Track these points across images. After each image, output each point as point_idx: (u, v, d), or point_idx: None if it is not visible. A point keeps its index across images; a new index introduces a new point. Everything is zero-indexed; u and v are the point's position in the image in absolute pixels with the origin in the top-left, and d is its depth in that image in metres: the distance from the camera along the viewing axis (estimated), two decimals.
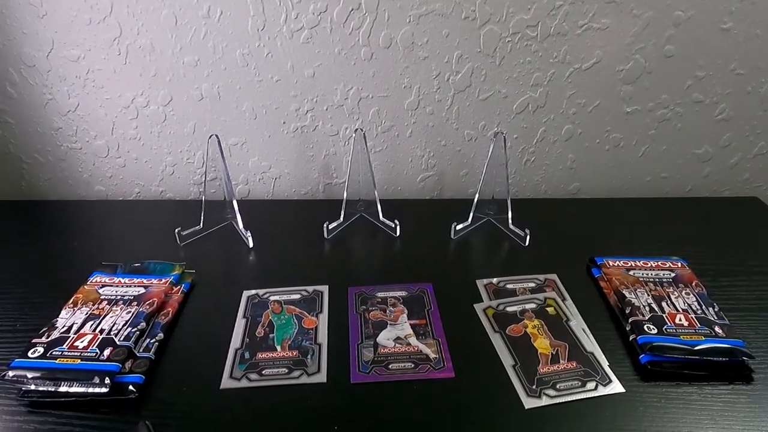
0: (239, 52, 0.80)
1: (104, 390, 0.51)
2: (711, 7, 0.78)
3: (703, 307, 0.62)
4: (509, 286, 0.69)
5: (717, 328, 0.58)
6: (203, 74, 0.82)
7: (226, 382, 0.54)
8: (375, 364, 0.56)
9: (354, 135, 0.76)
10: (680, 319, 0.60)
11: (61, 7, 0.76)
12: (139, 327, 0.58)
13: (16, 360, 0.53)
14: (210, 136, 0.73)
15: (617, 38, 0.80)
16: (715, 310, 0.61)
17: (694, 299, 0.63)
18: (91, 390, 0.51)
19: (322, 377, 0.55)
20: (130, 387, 0.52)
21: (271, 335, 0.60)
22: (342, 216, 0.81)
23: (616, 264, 0.70)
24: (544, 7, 0.77)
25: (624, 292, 0.64)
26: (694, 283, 0.66)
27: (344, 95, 0.84)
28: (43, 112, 0.85)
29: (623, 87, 0.84)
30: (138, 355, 0.56)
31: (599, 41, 0.80)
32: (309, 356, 0.57)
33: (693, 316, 0.60)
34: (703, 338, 0.57)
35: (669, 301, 0.63)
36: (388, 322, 0.62)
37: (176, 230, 0.77)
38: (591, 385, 0.54)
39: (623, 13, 0.78)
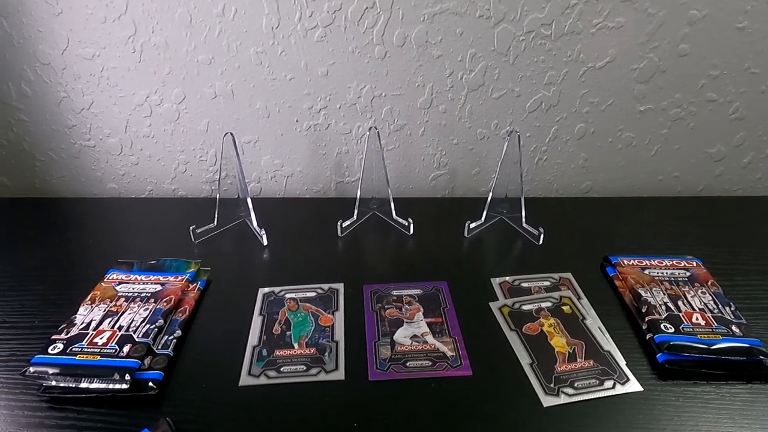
0: (253, 51, 0.80)
1: (125, 386, 0.51)
2: (726, 6, 0.77)
3: (720, 306, 0.62)
4: (524, 284, 0.69)
5: (734, 327, 0.58)
6: (217, 72, 0.82)
7: (245, 379, 0.55)
8: (392, 362, 0.57)
9: (368, 133, 0.77)
10: (697, 318, 0.60)
11: (77, 5, 0.77)
12: (157, 324, 0.58)
13: (37, 356, 0.54)
14: (225, 134, 0.74)
15: (631, 37, 0.80)
16: (732, 309, 0.61)
17: (711, 298, 0.63)
18: (111, 386, 0.52)
19: (340, 374, 0.55)
20: (150, 383, 0.52)
21: (288, 333, 0.61)
22: (355, 214, 0.81)
23: (631, 263, 0.70)
24: (558, 5, 0.77)
25: (640, 290, 0.64)
26: (710, 282, 0.66)
27: (357, 93, 0.84)
28: (57, 109, 0.85)
29: (637, 86, 0.84)
30: (157, 351, 0.56)
31: (613, 40, 0.80)
32: (326, 354, 0.58)
33: (710, 315, 0.60)
34: (721, 337, 0.57)
35: (685, 300, 0.63)
36: (404, 320, 0.63)
37: (191, 228, 0.77)
38: (609, 383, 0.54)
39: (638, 11, 0.78)
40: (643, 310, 0.62)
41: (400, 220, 0.81)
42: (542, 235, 0.77)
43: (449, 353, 0.58)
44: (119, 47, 0.80)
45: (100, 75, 0.82)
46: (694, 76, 0.84)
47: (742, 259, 0.74)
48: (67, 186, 0.93)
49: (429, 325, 0.62)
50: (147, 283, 0.66)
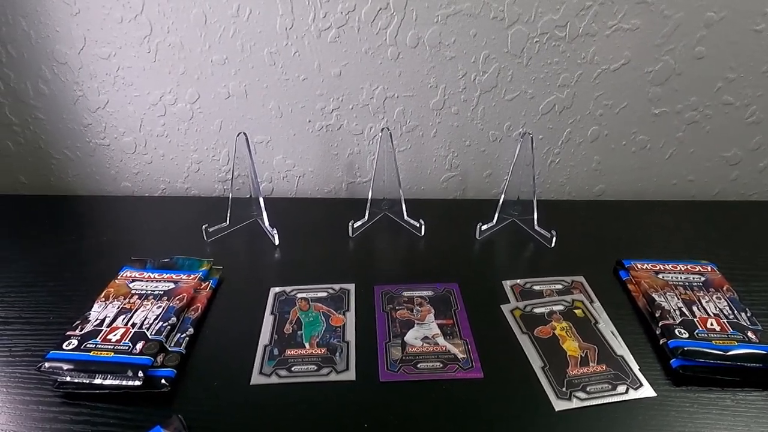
0: (267, 51, 0.81)
1: (138, 383, 0.52)
2: (744, 8, 0.77)
3: (735, 311, 0.61)
4: (536, 287, 0.69)
5: (750, 334, 0.57)
6: (231, 72, 0.83)
7: (256, 378, 0.55)
8: (403, 363, 0.56)
9: (380, 134, 0.77)
10: (712, 324, 0.59)
11: (94, 5, 0.77)
12: (169, 322, 0.59)
13: (52, 352, 0.54)
14: (238, 134, 0.74)
15: (647, 39, 0.79)
16: (748, 315, 0.60)
17: (726, 304, 0.62)
18: (124, 383, 0.52)
19: (351, 375, 0.55)
20: (163, 380, 0.53)
21: (299, 332, 0.61)
22: (367, 215, 0.81)
23: (644, 267, 0.69)
24: (573, 7, 0.76)
25: (653, 295, 0.64)
26: (725, 288, 0.65)
27: (370, 94, 0.84)
28: (73, 108, 0.86)
29: (651, 88, 0.84)
30: (169, 349, 0.56)
31: (628, 42, 0.79)
32: (337, 354, 0.58)
33: (725, 320, 0.59)
34: (736, 343, 0.56)
35: (700, 305, 0.62)
36: (415, 321, 0.63)
37: (203, 226, 0.77)
38: (622, 388, 0.54)
39: (654, 13, 0.77)
40: (657, 315, 0.61)
41: (412, 221, 0.81)
42: (554, 238, 0.76)
43: (460, 355, 0.58)
44: (135, 47, 0.81)
45: (116, 74, 0.83)
46: (710, 79, 0.83)
47: (757, 264, 0.73)
48: (82, 184, 0.94)
49: (440, 326, 0.62)
50: (160, 281, 0.66)
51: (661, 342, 0.58)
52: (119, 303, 0.62)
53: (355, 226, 0.80)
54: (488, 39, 0.79)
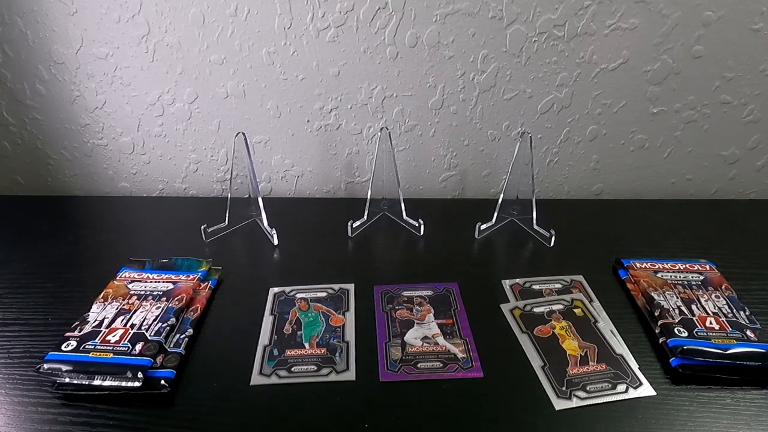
0: (265, 51, 0.80)
1: (137, 384, 0.52)
2: (742, 7, 0.77)
3: (734, 310, 0.61)
4: (535, 286, 0.69)
5: (749, 332, 0.57)
6: (229, 72, 0.82)
7: (256, 379, 0.55)
8: (403, 363, 0.56)
9: (379, 134, 0.76)
10: (711, 323, 0.59)
11: (91, 4, 0.77)
12: (169, 322, 0.59)
13: (50, 353, 0.54)
14: (237, 134, 0.74)
15: (645, 38, 0.79)
16: (746, 313, 0.60)
17: (725, 302, 0.62)
18: (124, 384, 0.52)
19: (351, 375, 0.55)
20: (162, 381, 0.52)
21: (299, 332, 0.61)
22: (366, 214, 0.81)
23: (643, 266, 0.69)
24: (571, 6, 0.76)
25: (652, 294, 0.64)
26: (723, 287, 0.65)
27: (368, 94, 0.84)
28: (70, 108, 0.86)
29: (650, 88, 0.84)
30: (169, 350, 0.56)
31: (627, 41, 0.79)
32: (337, 354, 0.58)
33: (724, 319, 0.59)
34: (735, 342, 0.56)
35: (699, 304, 0.62)
36: (415, 321, 0.62)
37: (202, 227, 0.77)
38: (621, 387, 0.54)
39: (652, 12, 0.77)
40: (656, 314, 0.61)
41: (411, 220, 0.81)
42: (553, 237, 0.76)
43: (460, 355, 0.58)
44: (132, 47, 0.80)
45: (113, 74, 0.83)
46: (708, 78, 0.83)
47: (756, 262, 0.73)
48: (80, 184, 0.94)
49: (440, 326, 0.62)
50: (159, 282, 0.66)
51: (660, 341, 0.59)
52: (118, 304, 0.62)
53: (354, 225, 0.80)
54: (487, 38, 0.79)
